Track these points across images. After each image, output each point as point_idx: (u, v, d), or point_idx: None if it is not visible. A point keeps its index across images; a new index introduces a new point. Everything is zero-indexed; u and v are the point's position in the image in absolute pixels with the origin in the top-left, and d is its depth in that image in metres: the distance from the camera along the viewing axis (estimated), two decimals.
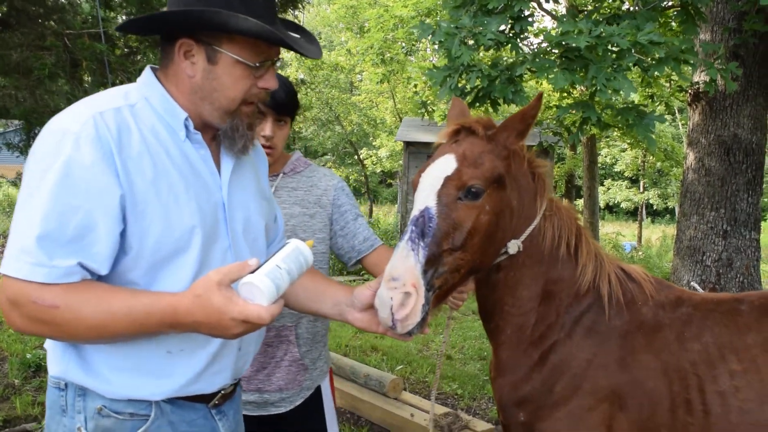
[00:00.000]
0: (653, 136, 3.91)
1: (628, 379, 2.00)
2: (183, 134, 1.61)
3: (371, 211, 23.21)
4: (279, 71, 2.54)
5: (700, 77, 6.81)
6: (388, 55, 15.18)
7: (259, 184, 1.89)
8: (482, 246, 1.91)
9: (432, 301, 1.78)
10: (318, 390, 2.54)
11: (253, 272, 1.42)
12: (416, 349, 7.41)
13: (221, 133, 1.67)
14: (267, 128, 2.35)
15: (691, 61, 3.98)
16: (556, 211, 2.15)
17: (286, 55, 23.76)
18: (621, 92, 3.30)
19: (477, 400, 5.72)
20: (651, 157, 24.37)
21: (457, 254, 1.82)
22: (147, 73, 1.66)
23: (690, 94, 6.99)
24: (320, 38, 36.10)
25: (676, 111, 29.40)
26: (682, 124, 33.01)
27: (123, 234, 1.49)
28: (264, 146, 2.33)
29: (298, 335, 2.44)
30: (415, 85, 16.06)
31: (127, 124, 1.52)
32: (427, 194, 1.86)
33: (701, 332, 2.02)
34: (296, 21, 2.20)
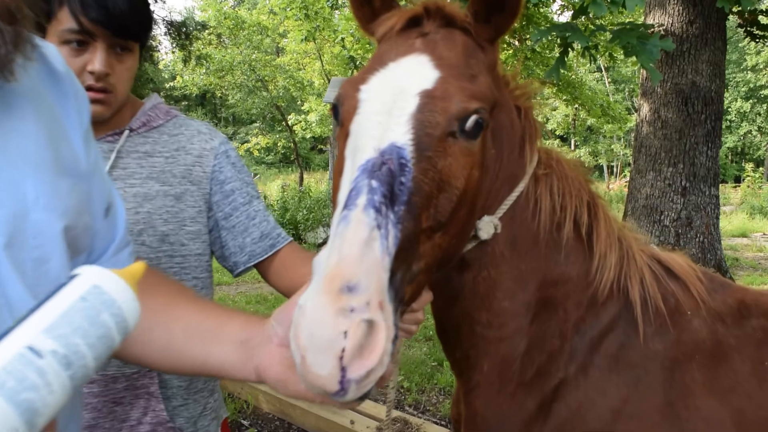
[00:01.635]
0: (654, 67, 3.16)
1: None
2: None
3: (302, 179, 22.21)
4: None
5: (655, 18, 6.18)
6: (313, 9, 14.02)
7: (54, 146, 0.99)
8: (465, 222, 1.15)
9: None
10: None
11: None
12: None
13: None
14: (96, 59, 1.46)
15: None
16: (556, 167, 1.37)
17: (201, 14, 22.20)
18: (624, 5, 2.50)
19: (426, 393, 5.02)
20: (582, 115, 24.24)
21: (437, 237, 1.04)
22: None
23: None
24: None
25: (603, 67, 29.46)
26: (609, 81, 33.31)
27: None
28: (93, 89, 1.48)
29: (165, 383, 1.58)
30: (343, 39, 14.92)
31: None
32: (389, 120, 1.03)
33: None
34: None
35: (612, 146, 33.69)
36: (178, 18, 8.79)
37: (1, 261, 0.84)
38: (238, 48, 21.01)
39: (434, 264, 1.06)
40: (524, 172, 1.32)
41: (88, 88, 1.45)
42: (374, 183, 0.92)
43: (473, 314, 1.35)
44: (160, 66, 18.94)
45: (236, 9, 24.28)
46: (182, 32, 8.31)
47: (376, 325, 0.81)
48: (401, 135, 0.99)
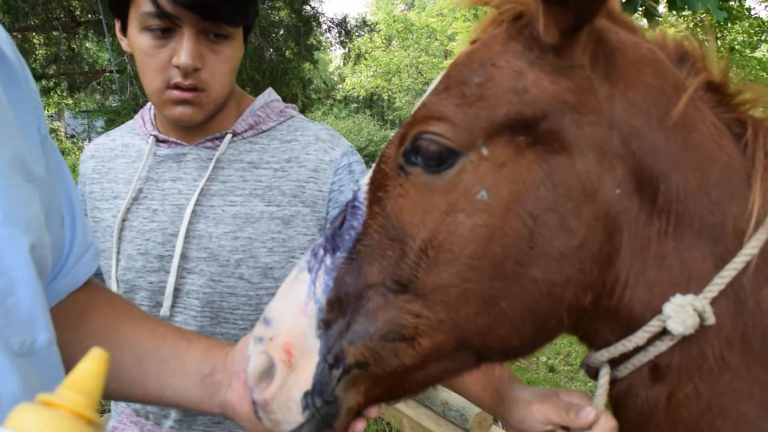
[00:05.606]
0: None
1: None
2: None
3: None
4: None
5: None
6: (483, 9, 13.55)
7: (9, 139, 0.78)
8: (476, 293, 0.80)
9: (352, 390, 0.83)
10: None
11: None
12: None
13: None
14: (183, 51, 1.20)
15: None
16: None
17: (372, 17, 22.73)
18: None
19: None
20: None
21: (405, 302, 0.81)
22: None
23: None
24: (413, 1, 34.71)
25: None
26: None
27: None
28: (180, 87, 1.23)
29: None
30: None
31: None
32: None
33: None
34: None
35: None
36: (339, 15, 8.91)
37: None
38: (405, 51, 21.20)
39: (400, 334, 0.81)
40: (748, 225, 0.80)
41: (175, 87, 1.21)
42: (328, 229, 0.89)
43: None
44: (330, 69, 19.60)
45: (406, 12, 24.56)
46: (343, 29, 8.36)
47: (272, 364, 0.82)
48: (368, 175, 0.90)
